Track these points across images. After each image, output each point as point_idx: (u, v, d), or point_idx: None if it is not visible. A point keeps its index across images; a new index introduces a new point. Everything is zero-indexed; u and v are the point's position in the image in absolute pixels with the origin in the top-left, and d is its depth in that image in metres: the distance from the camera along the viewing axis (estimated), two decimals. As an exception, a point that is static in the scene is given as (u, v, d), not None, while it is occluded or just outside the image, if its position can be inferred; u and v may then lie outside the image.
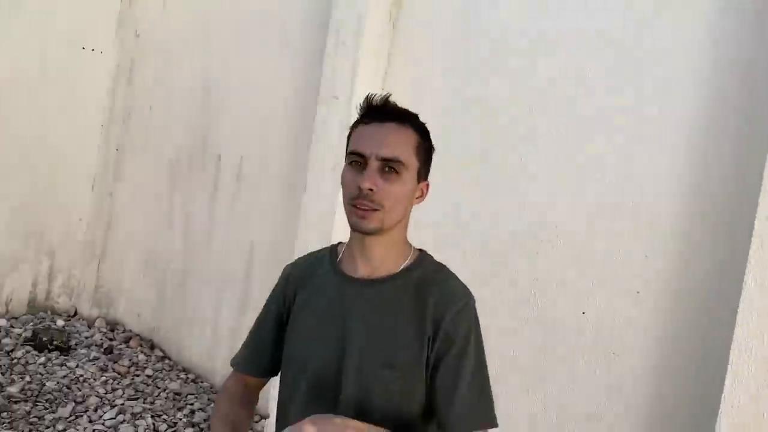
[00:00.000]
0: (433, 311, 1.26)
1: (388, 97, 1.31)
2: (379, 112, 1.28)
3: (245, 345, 1.48)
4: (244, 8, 3.90)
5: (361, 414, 1.24)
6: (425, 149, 1.33)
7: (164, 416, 3.41)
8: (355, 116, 1.33)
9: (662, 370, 2.10)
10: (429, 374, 1.25)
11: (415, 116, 1.33)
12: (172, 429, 3.31)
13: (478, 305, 1.31)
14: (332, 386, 1.28)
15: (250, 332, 1.48)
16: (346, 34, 2.96)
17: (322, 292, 1.35)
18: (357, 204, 1.24)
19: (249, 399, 1.47)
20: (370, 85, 2.83)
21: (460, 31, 2.71)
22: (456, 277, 1.34)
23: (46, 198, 4.41)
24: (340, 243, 1.42)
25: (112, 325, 4.54)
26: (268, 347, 1.43)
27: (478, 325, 1.30)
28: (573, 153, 2.34)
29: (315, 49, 3.29)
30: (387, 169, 1.25)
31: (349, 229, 1.32)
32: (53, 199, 4.44)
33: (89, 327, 4.45)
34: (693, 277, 2.05)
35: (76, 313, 4.60)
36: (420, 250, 1.37)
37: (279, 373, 1.42)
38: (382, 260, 1.30)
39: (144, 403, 3.51)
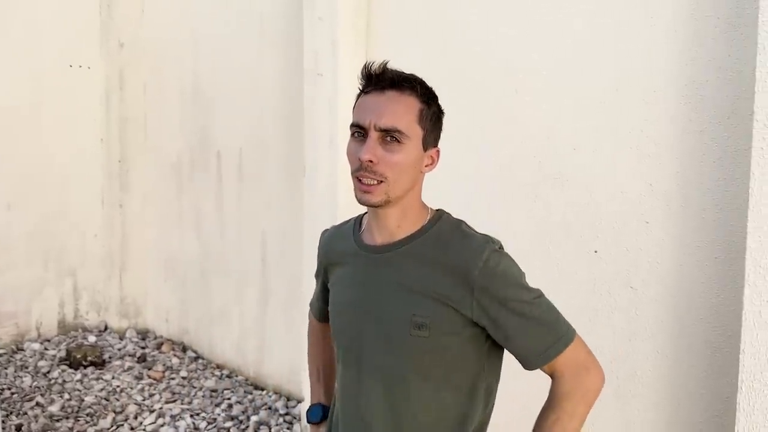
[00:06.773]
0: (458, 266, 1.22)
1: (386, 64, 1.26)
2: (378, 80, 1.25)
3: (315, 291, 1.54)
4: (220, 3, 3.87)
5: (390, 379, 1.26)
6: (431, 115, 1.27)
7: (203, 414, 3.45)
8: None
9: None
10: (487, 326, 1.22)
11: (418, 81, 1.27)
12: (212, 425, 3.35)
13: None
14: (360, 356, 1.30)
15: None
16: (322, 9, 2.93)
17: (347, 264, 1.37)
18: (360, 177, 1.23)
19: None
20: (352, 58, 2.80)
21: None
22: (474, 230, 1.30)
23: (59, 219, 4.46)
24: (366, 212, 1.39)
25: (143, 334, 4.60)
26: (325, 299, 1.48)
27: (511, 262, 1.24)
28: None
29: (294, 30, 3.27)
30: (389, 138, 1.22)
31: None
32: (66, 219, 4.48)
33: (120, 339, 4.52)
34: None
35: (106, 328, 4.67)
36: (438, 210, 1.34)
37: None
38: (398, 227, 1.29)
39: (182, 404, 3.56)
